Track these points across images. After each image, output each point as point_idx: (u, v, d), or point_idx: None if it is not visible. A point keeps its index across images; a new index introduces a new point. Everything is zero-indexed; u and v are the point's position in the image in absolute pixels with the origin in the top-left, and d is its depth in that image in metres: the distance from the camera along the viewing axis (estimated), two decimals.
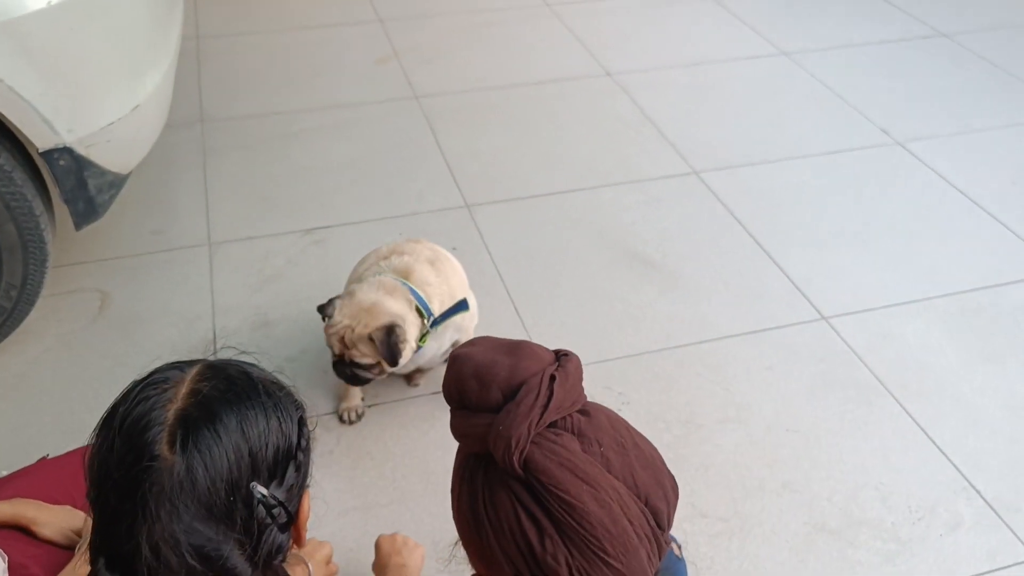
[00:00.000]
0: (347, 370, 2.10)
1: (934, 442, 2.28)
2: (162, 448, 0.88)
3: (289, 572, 1.02)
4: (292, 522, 0.99)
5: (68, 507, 1.57)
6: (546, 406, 0.90)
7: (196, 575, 0.89)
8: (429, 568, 1.76)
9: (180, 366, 0.98)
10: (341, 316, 2.04)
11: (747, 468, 2.19)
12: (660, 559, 0.93)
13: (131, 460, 0.88)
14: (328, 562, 1.66)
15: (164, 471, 0.88)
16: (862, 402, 2.39)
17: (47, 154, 2.10)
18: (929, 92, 3.91)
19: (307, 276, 2.76)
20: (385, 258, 2.19)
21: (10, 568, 1.40)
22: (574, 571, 0.87)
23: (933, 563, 2.00)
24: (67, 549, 1.52)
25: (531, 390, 0.91)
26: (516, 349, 0.97)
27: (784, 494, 2.14)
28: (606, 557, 0.87)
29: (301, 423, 1.01)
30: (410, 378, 2.38)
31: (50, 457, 1.75)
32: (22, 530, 1.50)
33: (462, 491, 0.97)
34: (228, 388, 0.95)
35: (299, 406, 1.02)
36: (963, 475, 2.19)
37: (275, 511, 0.93)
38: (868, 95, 3.85)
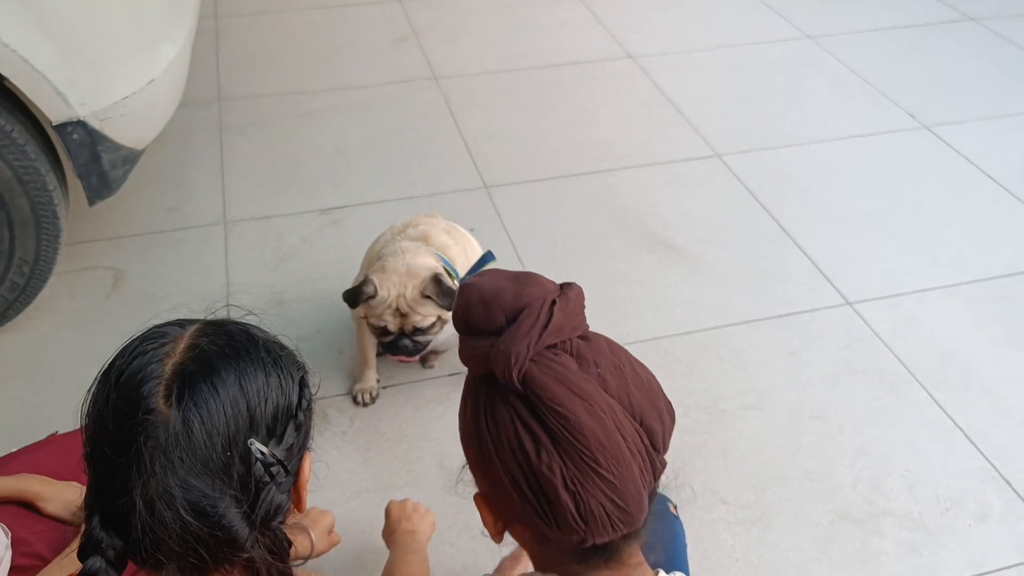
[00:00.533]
0: (407, 342, 2.05)
1: (962, 430, 2.22)
2: (158, 401, 0.87)
3: (291, 539, 0.99)
4: (292, 483, 0.96)
5: (74, 483, 1.55)
6: (545, 327, 0.95)
7: (191, 532, 0.87)
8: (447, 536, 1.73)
9: (180, 322, 0.97)
10: (386, 290, 2.00)
11: (769, 455, 2.15)
12: (655, 479, 0.99)
13: (126, 413, 0.86)
14: (330, 531, 1.62)
15: (160, 424, 0.86)
16: (887, 389, 2.33)
17: (61, 127, 2.07)
18: (957, 76, 3.83)
19: (322, 255, 2.73)
20: (401, 232, 2.18)
21: (13, 543, 1.38)
22: (568, 481, 0.92)
23: (961, 554, 1.94)
24: (72, 525, 1.49)
25: (532, 312, 0.96)
26: (521, 277, 1.02)
27: (806, 482, 2.09)
28: (598, 468, 0.92)
29: (303, 383, 0.98)
30: (425, 360, 2.34)
31: (59, 433, 1.73)
32: (27, 506, 1.48)
33: (466, 410, 1.02)
34: (227, 344, 0.93)
35: (301, 366, 1.00)
36: (992, 465, 2.13)
37: (274, 469, 0.91)
38: (894, 79, 3.77)
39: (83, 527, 1.39)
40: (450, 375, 2.33)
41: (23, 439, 1.69)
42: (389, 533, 1.62)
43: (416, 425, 2.21)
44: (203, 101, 3.46)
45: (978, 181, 3.16)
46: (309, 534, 1.57)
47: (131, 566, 0.91)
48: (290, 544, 0.98)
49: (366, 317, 2.07)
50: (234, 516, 0.88)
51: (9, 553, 1.36)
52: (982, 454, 2.16)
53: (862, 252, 2.81)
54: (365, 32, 4.06)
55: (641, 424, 0.97)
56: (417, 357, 2.17)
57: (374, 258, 2.15)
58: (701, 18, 4.27)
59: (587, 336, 1.01)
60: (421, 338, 2.06)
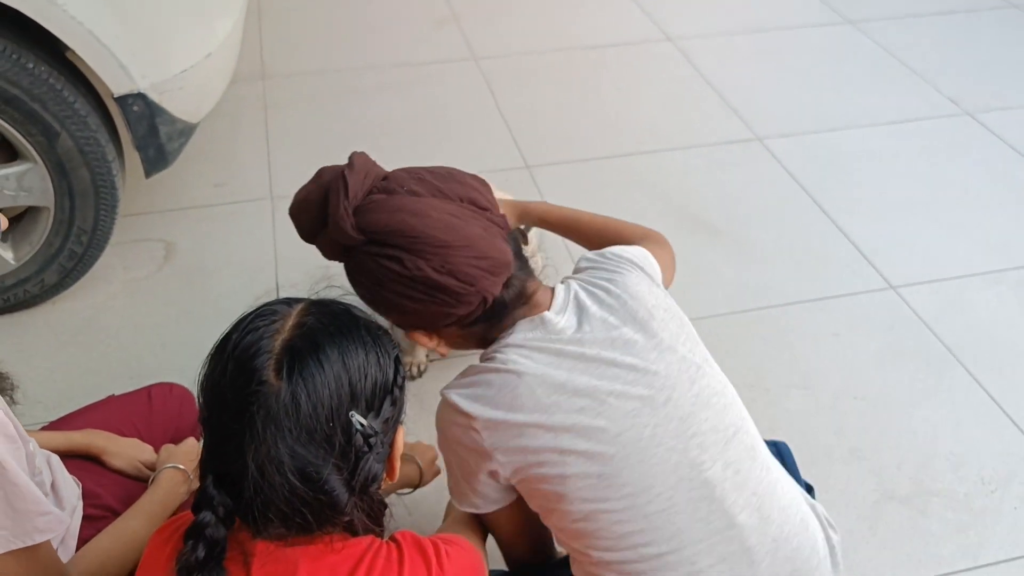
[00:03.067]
0: None
1: (1007, 414, 2.22)
2: (269, 375, 0.92)
3: (400, 467, 1.08)
4: (387, 454, 1.02)
5: (136, 440, 1.59)
6: (346, 189, 1.19)
7: (298, 495, 0.93)
8: None
9: (288, 301, 1.02)
10: None
11: (814, 434, 2.16)
12: (503, 227, 1.23)
13: (241, 383, 0.92)
14: (433, 462, 1.74)
15: (271, 395, 0.91)
16: (932, 372, 2.34)
17: (121, 99, 2.11)
18: (999, 63, 3.80)
19: None
20: None
21: (83, 495, 1.43)
22: (437, 268, 1.16)
23: (1007, 536, 1.95)
24: (135, 480, 1.54)
25: (332, 191, 1.20)
26: (318, 175, 1.26)
27: (852, 461, 2.10)
28: (445, 244, 1.16)
29: (397, 362, 1.04)
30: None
31: (116, 395, 1.77)
32: (93, 460, 1.53)
33: (357, 286, 1.24)
34: (331, 322, 0.98)
35: (395, 346, 1.05)
36: None
37: (372, 440, 0.96)
38: (936, 65, 3.75)
39: (151, 481, 1.45)
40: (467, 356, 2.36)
41: (79, 401, 1.74)
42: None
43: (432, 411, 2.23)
44: (248, 78, 3.49)
45: (1022, 168, 3.14)
46: (418, 465, 1.70)
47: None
48: (385, 507, 1.04)
49: None
50: (336, 482, 0.94)
51: (80, 504, 1.40)
52: None
53: (905, 236, 2.80)
54: (406, 13, 4.08)
55: (461, 200, 1.21)
56: None
57: None
58: (740, 2, 4.26)
59: (386, 176, 1.25)
60: None
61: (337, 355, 0.95)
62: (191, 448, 1.54)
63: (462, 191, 1.23)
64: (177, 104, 2.22)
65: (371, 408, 0.97)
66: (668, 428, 1.20)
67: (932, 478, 2.07)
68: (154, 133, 2.20)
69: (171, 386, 1.79)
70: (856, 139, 3.28)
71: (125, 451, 1.56)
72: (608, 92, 3.54)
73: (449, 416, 1.24)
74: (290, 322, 0.97)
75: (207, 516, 0.93)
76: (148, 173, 2.30)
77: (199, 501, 0.95)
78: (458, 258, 1.16)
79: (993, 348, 2.41)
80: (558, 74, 3.64)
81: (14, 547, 1.13)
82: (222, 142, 3.15)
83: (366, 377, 0.97)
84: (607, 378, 1.20)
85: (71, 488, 1.38)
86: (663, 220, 2.82)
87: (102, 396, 1.77)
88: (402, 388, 1.04)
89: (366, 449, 0.95)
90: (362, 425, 0.95)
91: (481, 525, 1.42)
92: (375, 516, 1.02)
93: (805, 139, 3.27)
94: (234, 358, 0.94)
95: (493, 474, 1.23)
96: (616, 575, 1.22)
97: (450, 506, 1.55)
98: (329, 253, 1.26)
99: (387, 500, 1.06)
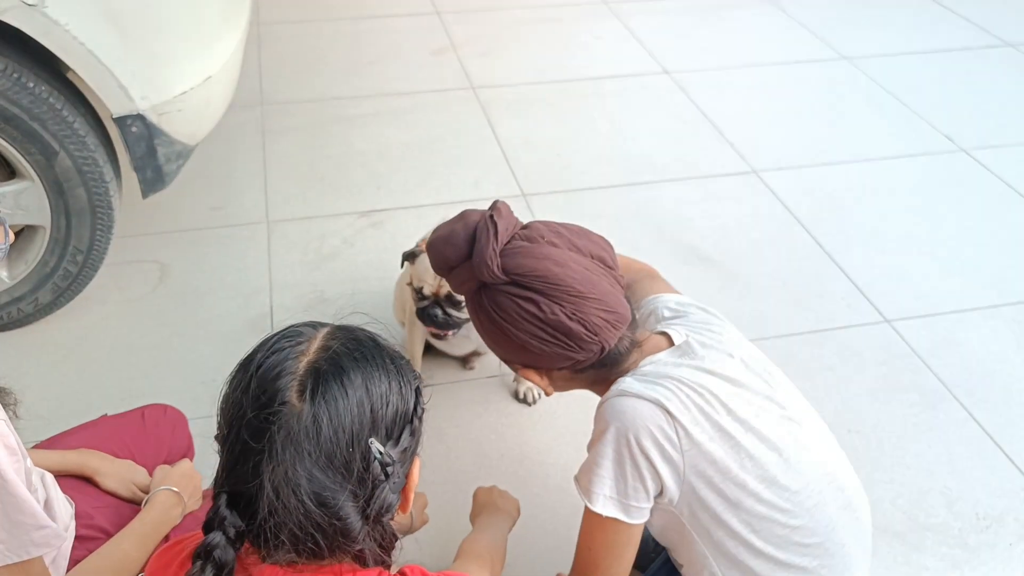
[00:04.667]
0: (439, 311, 2.03)
1: (1002, 450, 2.21)
2: (292, 396, 0.92)
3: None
4: (403, 485, 1.01)
5: (130, 462, 1.58)
6: (496, 232, 1.31)
7: (312, 519, 0.92)
8: None
9: (313, 324, 1.01)
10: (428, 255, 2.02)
11: None
12: (622, 286, 1.36)
13: (263, 402, 0.92)
14: (423, 510, 1.73)
15: (292, 417, 0.91)
16: (927, 406, 2.33)
17: (120, 120, 2.12)
18: (994, 101, 3.83)
19: (364, 256, 2.76)
20: None
21: (76, 516, 1.41)
22: (571, 315, 1.28)
23: (1002, 572, 1.94)
24: (128, 501, 1.52)
25: (482, 231, 1.33)
26: (460, 216, 1.40)
27: None
28: (582, 295, 1.28)
29: (418, 392, 1.03)
30: (466, 360, 2.36)
31: (109, 415, 1.75)
32: (86, 480, 1.51)
33: (480, 318, 1.36)
34: (356, 348, 0.98)
35: (417, 377, 1.05)
36: None
37: (389, 469, 0.95)
38: (932, 102, 3.79)
39: (144, 502, 1.43)
40: (489, 377, 2.36)
41: (72, 421, 1.72)
42: (475, 516, 1.65)
43: (455, 424, 2.23)
44: (246, 104, 3.51)
45: (1017, 205, 3.16)
46: (410, 513, 1.66)
47: None
48: (396, 539, 1.03)
49: (411, 281, 2.08)
50: (351, 509, 0.93)
51: (74, 523, 1.39)
52: (1023, 474, 2.16)
53: (899, 271, 2.81)
54: (404, 43, 4.12)
55: (592, 257, 1.33)
56: (448, 334, 2.10)
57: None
58: (736, 37, 4.30)
59: (526, 226, 1.38)
60: (453, 312, 2.04)
61: (361, 381, 0.94)
62: (186, 470, 1.53)
63: (593, 249, 1.35)
64: (176, 126, 2.22)
65: (390, 437, 0.96)
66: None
67: (927, 513, 2.06)
68: (152, 154, 2.20)
69: (165, 408, 1.78)
70: (851, 174, 3.30)
71: (119, 472, 1.54)
72: (604, 123, 3.56)
73: (647, 411, 1.27)
74: (315, 344, 0.96)
75: (217, 537, 0.92)
76: (145, 194, 2.30)
77: (210, 521, 0.94)
78: (590, 308, 1.28)
79: (988, 383, 2.41)
80: (556, 105, 3.67)
81: (9, 561, 1.11)
82: (219, 166, 3.15)
83: (388, 405, 0.96)
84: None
85: (64, 507, 1.36)
86: (657, 250, 2.82)
87: (94, 416, 1.76)
88: (421, 419, 1.03)
89: (383, 478, 0.94)
90: (381, 453, 0.94)
91: (490, 564, 1.42)
92: (386, 547, 1.00)
93: (800, 173, 3.29)
94: (257, 377, 0.94)
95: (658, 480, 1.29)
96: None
97: (463, 545, 1.54)
98: (460, 286, 1.39)
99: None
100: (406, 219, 2.93)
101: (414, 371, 1.04)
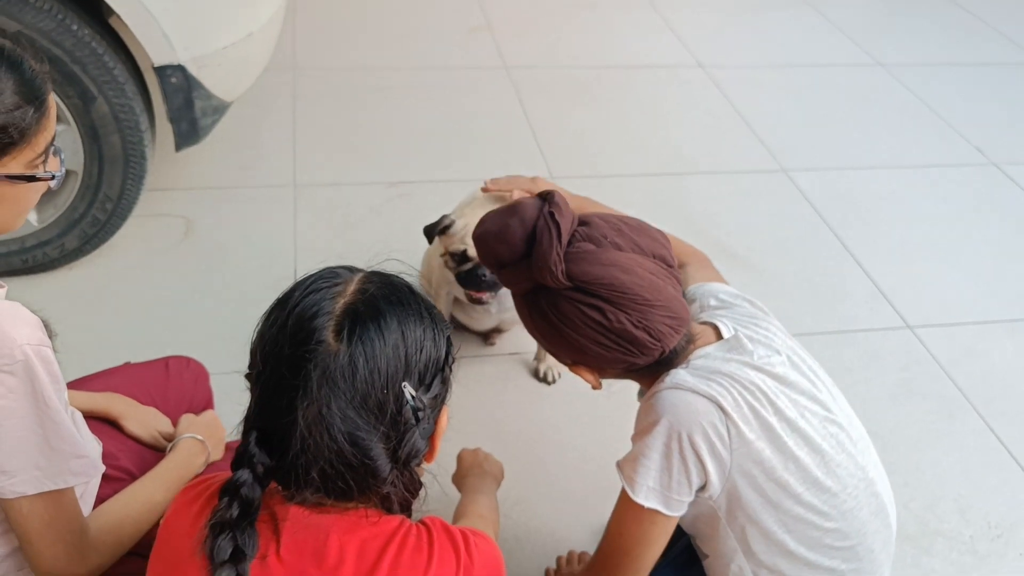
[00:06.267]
0: (484, 272, 1.97)
1: (1018, 462, 2.21)
2: (328, 335, 0.92)
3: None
4: (431, 432, 1.01)
5: (154, 409, 1.58)
6: (559, 233, 1.22)
7: (343, 458, 0.92)
8: None
9: (350, 268, 1.01)
10: (467, 217, 1.95)
11: None
12: (680, 286, 1.30)
13: (300, 340, 0.92)
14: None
15: (329, 356, 0.91)
16: (944, 414, 2.33)
17: (160, 70, 2.12)
18: None
19: (390, 227, 2.76)
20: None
21: (102, 455, 1.41)
22: (636, 323, 1.23)
23: None
24: (151, 448, 1.52)
25: (543, 231, 1.23)
26: (515, 209, 1.29)
27: None
28: (649, 303, 1.23)
29: (449, 342, 1.03)
30: (488, 336, 2.36)
31: (132, 363, 1.75)
32: (110, 424, 1.51)
33: (535, 319, 1.30)
34: (392, 292, 0.98)
35: (449, 327, 1.05)
36: None
37: (420, 414, 0.95)
38: (965, 114, 3.76)
39: (169, 448, 1.43)
40: (511, 354, 2.36)
41: (92, 368, 1.72)
42: (460, 478, 1.65)
43: (475, 398, 2.23)
44: (279, 69, 3.49)
45: None
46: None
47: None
48: (421, 486, 1.03)
49: (445, 251, 2.03)
50: (380, 451, 0.93)
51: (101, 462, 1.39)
52: None
53: (924, 278, 2.80)
54: (440, 18, 4.10)
55: (654, 256, 1.26)
56: (491, 296, 2.05)
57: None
58: (772, 36, 4.28)
59: (585, 221, 1.28)
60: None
61: (397, 325, 0.94)
62: (211, 421, 1.53)
63: (655, 247, 1.28)
64: (214, 80, 2.22)
65: (423, 382, 0.97)
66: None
67: (939, 518, 2.05)
68: (189, 107, 2.20)
69: (188, 360, 1.78)
70: (881, 179, 3.28)
71: (143, 418, 1.54)
72: (636, 112, 3.54)
73: (702, 407, 1.25)
74: (352, 287, 0.96)
75: (245, 474, 0.92)
76: (179, 146, 2.30)
77: (238, 458, 0.94)
78: (655, 316, 1.24)
79: (1007, 396, 2.40)
80: (588, 90, 3.65)
81: (46, 488, 1.11)
82: (250, 128, 3.15)
83: (421, 351, 0.96)
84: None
85: (93, 445, 1.36)
86: None
87: (114, 362, 1.76)
88: (452, 369, 1.03)
89: (414, 422, 0.95)
90: (413, 397, 0.94)
91: (492, 525, 1.42)
92: (412, 492, 1.01)
93: (829, 175, 3.27)
94: (294, 315, 0.93)
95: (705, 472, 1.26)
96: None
97: (464, 508, 1.53)
98: (513, 284, 1.32)
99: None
100: (434, 192, 2.92)
101: (445, 322, 1.04)
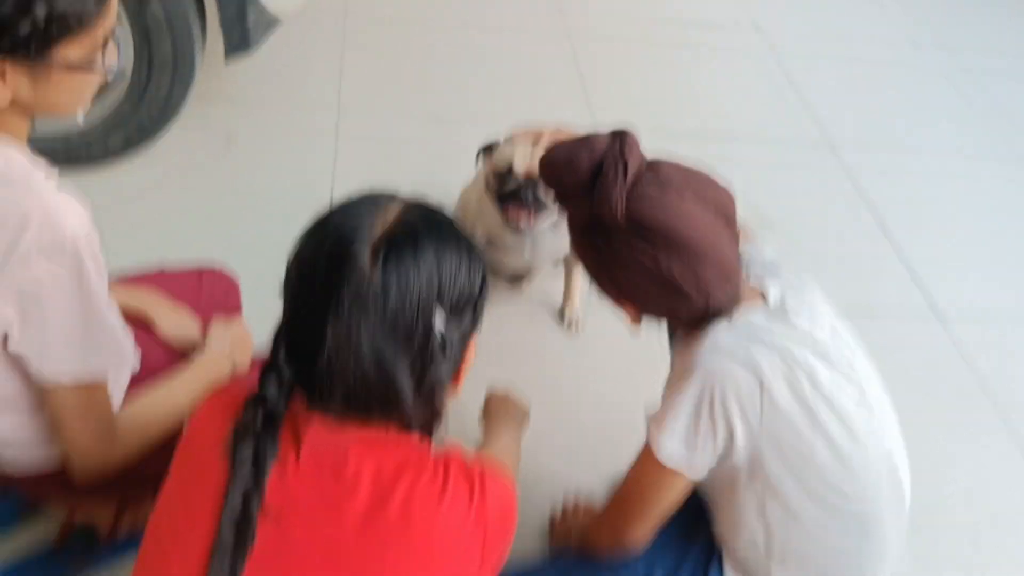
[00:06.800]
0: (529, 193, 1.96)
1: None
2: (365, 258, 0.92)
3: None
4: (456, 364, 1.01)
5: (187, 314, 1.59)
6: (625, 171, 1.20)
7: (366, 380, 0.93)
8: None
9: (392, 193, 1.01)
10: (515, 139, 1.94)
11: None
12: (738, 245, 1.28)
13: (337, 260, 0.92)
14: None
15: (363, 279, 0.91)
16: (963, 408, 2.32)
17: None
18: None
19: (429, 163, 2.75)
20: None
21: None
22: (686, 272, 1.22)
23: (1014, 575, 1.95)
24: (178, 351, 1.54)
25: (610, 166, 1.21)
26: (586, 141, 1.27)
27: None
28: (702, 255, 1.22)
29: (484, 278, 1.03)
30: (517, 280, 2.36)
31: (167, 269, 1.76)
32: (141, 324, 1.53)
33: (586, 252, 1.32)
34: (432, 221, 0.99)
35: (485, 265, 1.04)
36: None
37: (447, 345, 0.96)
38: None
39: (198, 354, 1.45)
40: (538, 302, 2.36)
41: (125, 269, 1.74)
42: (487, 414, 1.67)
43: (497, 342, 2.21)
44: (330, 12, 3.45)
45: None
46: None
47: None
48: (442, 416, 1.04)
49: (489, 172, 2.01)
50: (406, 377, 0.94)
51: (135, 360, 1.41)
52: None
53: (961, 270, 2.77)
54: None
55: (716, 211, 1.24)
56: (531, 220, 2.00)
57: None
58: (840, 7, 4.18)
59: (653, 165, 1.26)
60: (542, 196, 1.96)
61: (433, 254, 0.94)
62: (241, 332, 1.55)
63: (719, 202, 1.26)
64: None
65: (454, 314, 0.97)
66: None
67: (946, 510, 2.06)
68: (242, 17, 2.19)
69: (221, 272, 1.79)
70: (930, 166, 3.22)
71: (176, 320, 1.56)
72: (686, 71, 3.50)
73: (738, 372, 1.24)
74: (393, 213, 0.96)
75: (271, 385, 0.94)
76: (228, 56, 2.30)
77: (266, 369, 0.96)
78: (706, 270, 1.23)
79: None
80: (640, 45, 3.60)
81: (82, 377, 1.14)
82: (299, 50, 3.13)
83: (455, 283, 0.96)
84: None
85: (130, 340, 1.39)
86: None
87: (148, 267, 1.78)
88: (484, 304, 1.04)
89: (441, 352, 0.96)
90: (443, 328, 0.95)
91: (513, 466, 1.43)
92: (433, 420, 1.02)
93: (878, 155, 3.22)
94: (333, 235, 0.94)
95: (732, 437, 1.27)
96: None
97: (484, 442, 1.55)
98: (570, 214, 1.31)
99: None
100: (476, 131, 2.87)
101: (482, 259, 1.04)
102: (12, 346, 1.10)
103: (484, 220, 2.11)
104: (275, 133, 2.74)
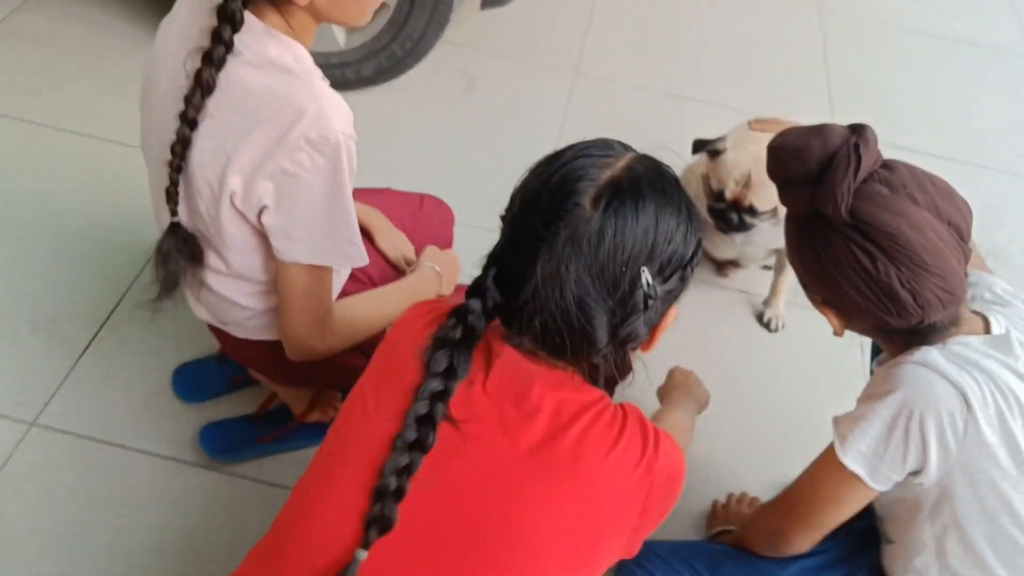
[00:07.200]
0: (735, 215, 1.98)
1: None
2: (587, 200, 0.94)
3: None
4: (655, 322, 1.02)
5: (404, 234, 1.69)
6: (857, 167, 1.15)
7: (565, 317, 0.95)
8: None
9: (625, 145, 1.03)
10: (737, 155, 1.93)
11: None
12: (966, 264, 1.19)
13: (560, 197, 0.95)
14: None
15: (581, 219, 0.94)
16: None
17: None
18: None
19: (656, 135, 2.74)
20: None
21: None
22: (904, 281, 1.15)
23: None
24: (392, 266, 1.65)
25: (842, 158, 1.15)
26: (821, 131, 1.21)
27: None
28: (926, 267, 1.14)
29: (699, 244, 1.03)
30: (723, 267, 2.32)
31: (393, 190, 1.87)
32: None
33: (803, 249, 1.25)
34: (658, 178, 0.99)
35: (702, 231, 1.04)
36: None
37: (650, 302, 0.97)
38: None
39: (414, 267, 1.53)
40: (740, 291, 2.32)
41: (359, 184, 1.86)
42: (666, 391, 1.67)
43: (692, 324, 2.15)
44: None
45: None
46: None
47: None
48: (631, 370, 1.06)
49: (707, 175, 2.01)
50: (603, 323, 0.96)
51: None
52: None
53: None
54: None
55: (949, 224, 1.16)
56: (734, 235, 2.06)
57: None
58: None
59: (889, 165, 1.19)
60: (749, 219, 1.98)
61: (653, 210, 0.95)
62: (452, 258, 1.63)
63: (953, 215, 1.18)
64: None
65: (662, 273, 0.98)
66: None
67: None
68: None
69: (440, 202, 1.89)
70: None
71: (394, 239, 1.67)
72: (947, 88, 3.26)
73: (945, 393, 1.19)
74: (622, 163, 0.98)
75: (476, 304, 0.98)
76: (485, 5, 2.40)
77: (473, 288, 1.00)
78: (927, 282, 1.16)
79: None
80: (901, 50, 3.40)
81: (316, 261, 1.25)
82: (550, 8, 3.20)
83: (669, 243, 0.97)
84: None
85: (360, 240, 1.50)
86: None
87: (379, 186, 1.89)
88: (694, 270, 1.04)
89: (642, 307, 0.96)
90: (648, 284, 0.96)
91: (683, 441, 1.42)
92: (620, 373, 1.03)
93: None
94: (560, 172, 0.97)
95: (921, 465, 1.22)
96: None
97: (660, 415, 1.55)
98: (792, 204, 1.25)
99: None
100: (706, 113, 2.87)
101: (701, 226, 1.04)
102: (266, 218, 1.22)
103: (699, 203, 2.08)
104: (513, 85, 2.83)
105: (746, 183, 1.94)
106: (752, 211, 1.96)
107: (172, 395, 1.83)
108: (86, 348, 1.89)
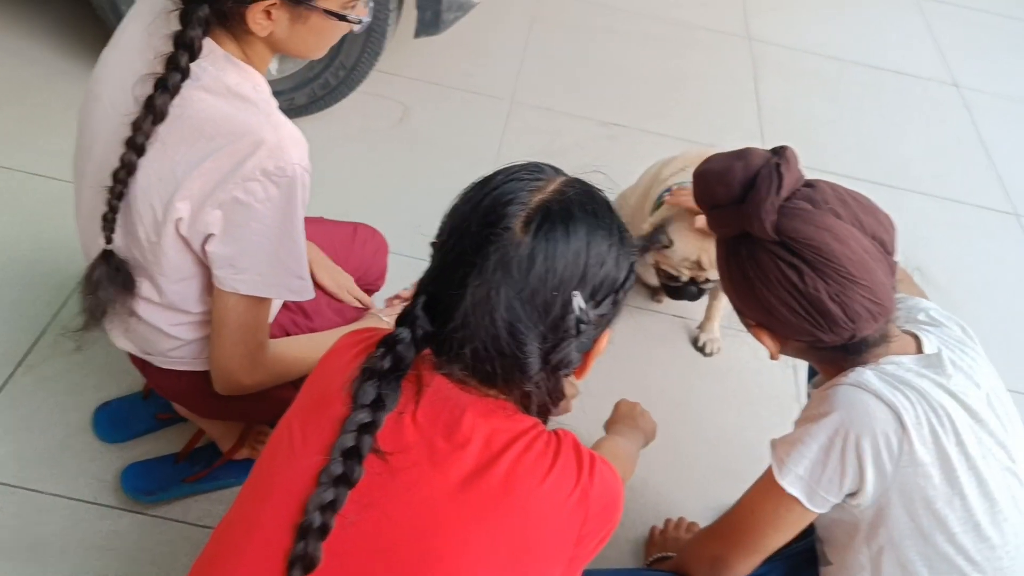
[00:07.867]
0: (694, 288, 2.03)
1: None
2: (517, 224, 0.93)
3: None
4: (587, 349, 1.01)
5: (340, 268, 1.67)
6: (779, 186, 1.17)
7: (496, 344, 0.94)
8: None
9: (556, 168, 1.03)
10: (685, 244, 1.94)
11: None
12: (893, 276, 1.21)
13: (489, 221, 0.94)
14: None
15: (511, 243, 0.93)
16: None
17: None
18: None
19: (592, 164, 2.73)
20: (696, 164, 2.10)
21: None
22: (832, 296, 1.16)
23: None
24: (330, 296, 1.62)
25: (765, 179, 1.17)
26: (743, 154, 1.24)
27: None
28: (853, 279, 1.15)
29: (631, 269, 1.02)
30: (657, 292, 2.33)
31: (327, 219, 1.85)
32: None
33: (731, 268, 1.26)
34: (589, 201, 0.99)
35: (634, 255, 1.04)
36: None
37: (582, 327, 0.96)
38: None
39: (367, 316, 1.50)
40: (674, 316, 2.33)
41: None
42: (612, 423, 1.66)
43: (628, 350, 2.21)
44: (521, 3, 3.52)
45: None
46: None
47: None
48: (562, 397, 1.04)
49: (656, 264, 2.03)
50: (535, 349, 0.95)
51: None
52: None
53: None
54: None
55: (873, 237, 1.18)
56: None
57: (656, 181, 2.11)
58: None
59: (810, 183, 1.22)
60: (708, 285, 2.02)
61: (584, 234, 0.95)
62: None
63: (877, 229, 1.20)
64: None
65: (594, 297, 0.97)
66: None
67: None
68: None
69: (375, 231, 1.87)
70: None
71: (332, 270, 1.65)
72: (871, 116, 3.35)
73: (880, 414, 1.19)
74: (553, 186, 0.98)
75: (404, 333, 0.96)
76: (418, 33, 2.38)
77: (402, 317, 0.98)
78: (855, 294, 1.16)
79: None
80: (827, 81, 3.49)
81: (259, 293, 1.21)
82: (484, 37, 3.21)
83: (601, 267, 0.96)
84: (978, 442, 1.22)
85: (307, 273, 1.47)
86: None
87: (312, 215, 1.86)
88: (626, 294, 1.03)
89: (574, 333, 0.95)
90: (581, 309, 0.95)
91: (623, 470, 1.41)
92: (553, 400, 1.02)
93: None
94: (490, 197, 0.96)
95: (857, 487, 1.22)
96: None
97: (600, 444, 1.54)
98: (719, 227, 1.27)
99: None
100: (643, 142, 2.90)
101: (633, 249, 1.03)
102: (211, 247, 1.19)
103: (632, 231, 2.09)
104: (448, 112, 2.82)
105: (699, 266, 1.97)
106: (707, 281, 2.00)
107: (93, 435, 1.75)
108: (0, 389, 1.81)
